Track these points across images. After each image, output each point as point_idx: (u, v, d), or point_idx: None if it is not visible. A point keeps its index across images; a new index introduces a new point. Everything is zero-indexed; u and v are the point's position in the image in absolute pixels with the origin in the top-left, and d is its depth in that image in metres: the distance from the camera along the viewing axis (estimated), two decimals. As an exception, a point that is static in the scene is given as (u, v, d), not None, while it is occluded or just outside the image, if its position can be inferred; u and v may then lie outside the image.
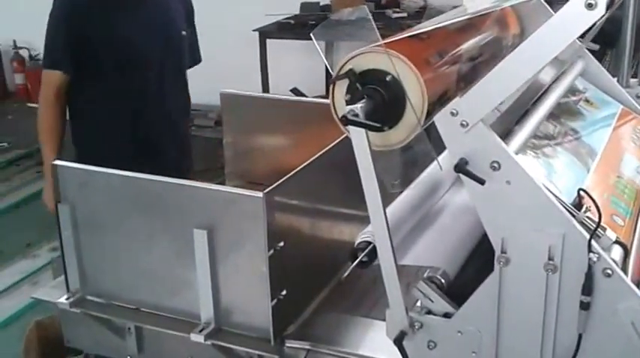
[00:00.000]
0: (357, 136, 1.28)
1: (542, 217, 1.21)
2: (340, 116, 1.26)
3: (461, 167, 1.21)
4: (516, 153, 1.30)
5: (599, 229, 1.22)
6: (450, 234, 1.55)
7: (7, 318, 3.32)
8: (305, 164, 1.65)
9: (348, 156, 1.30)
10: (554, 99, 1.59)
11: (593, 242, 1.19)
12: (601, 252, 1.19)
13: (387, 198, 1.38)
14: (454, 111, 1.22)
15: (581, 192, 1.24)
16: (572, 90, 1.80)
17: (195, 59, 2.67)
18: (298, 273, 1.67)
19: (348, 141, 1.30)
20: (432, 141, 1.34)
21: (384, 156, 1.43)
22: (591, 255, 1.18)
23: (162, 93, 2.45)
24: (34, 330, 2.33)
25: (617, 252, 1.24)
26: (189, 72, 2.64)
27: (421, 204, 1.63)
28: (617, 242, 1.25)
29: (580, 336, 1.22)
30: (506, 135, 1.34)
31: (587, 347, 1.24)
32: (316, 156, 1.70)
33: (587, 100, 1.78)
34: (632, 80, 2.23)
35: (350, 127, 1.27)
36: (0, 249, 3.96)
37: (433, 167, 1.71)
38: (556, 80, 1.71)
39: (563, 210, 1.20)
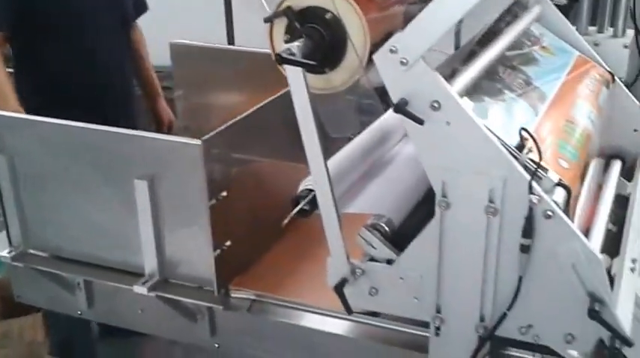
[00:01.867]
0: (294, 76, 1.23)
1: (482, 159, 1.17)
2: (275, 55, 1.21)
3: (399, 107, 1.17)
4: (460, 95, 1.26)
5: (541, 171, 1.19)
6: (398, 183, 1.52)
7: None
8: (248, 112, 1.60)
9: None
10: (505, 42, 1.54)
11: (534, 184, 1.16)
12: (542, 193, 1.16)
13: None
14: (393, 49, 1.17)
15: (523, 133, 1.20)
16: (529, 36, 1.75)
17: (139, 8, 2.59)
18: (244, 224, 1.63)
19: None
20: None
21: (328, 99, 1.39)
22: (532, 196, 1.15)
23: (101, 47, 2.40)
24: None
25: (559, 194, 1.21)
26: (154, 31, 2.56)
27: (370, 152, 1.59)
28: (560, 184, 1.23)
29: (520, 279, 1.20)
30: (450, 76, 1.30)
31: (528, 289, 1.22)
32: (261, 104, 1.65)
33: (543, 47, 1.74)
34: (591, 28, 2.20)
35: (286, 67, 1.22)
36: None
37: (386, 116, 1.67)
38: (510, 24, 1.66)
39: (505, 151, 1.17)
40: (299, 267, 1.70)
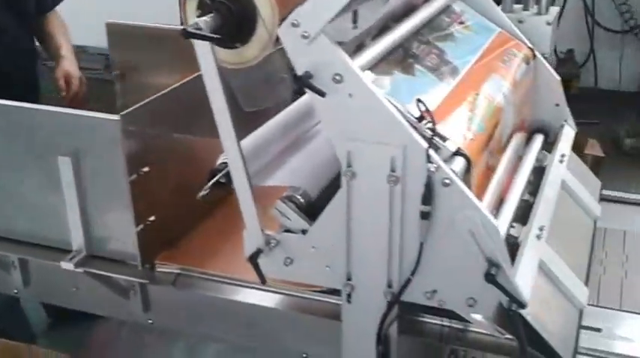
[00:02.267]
0: (202, 51, 1.26)
1: (383, 129, 1.21)
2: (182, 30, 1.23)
3: (302, 79, 1.20)
4: (365, 68, 1.30)
5: (439, 140, 1.23)
6: (317, 156, 1.55)
7: None
8: (169, 89, 1.62)
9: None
10: (419, 19, 1.58)
11: (432, 153, 1.20)
12: (440, 162, 1.20)
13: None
14: (295, 22, 1.20)
15: (419, 103, 1.24)
16: (450, 14, 1.80)
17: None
18: (169, 200, 1.65)
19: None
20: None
21: (241, 73, 1.42)
22: (429, 165, 1.19)
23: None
24: None
25: (459, 163, 1.26)
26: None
27: (293, 128, 1.62)
28: (459, 154, 1.27)
29: (422, 245, 1.25)
30: (357, 50, 1.33)
31: (431, 255, 1.26)
32: (184, 80, 1.66)
33: (463, 24, 1.78)
34: (516, 6, 2.26)
35: (195, 42, 1.25)
36: None
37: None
38: (429, 1, 1.71)
39: (403, 121, 1.21)
40: (227, 242, 1.73)
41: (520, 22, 2.02)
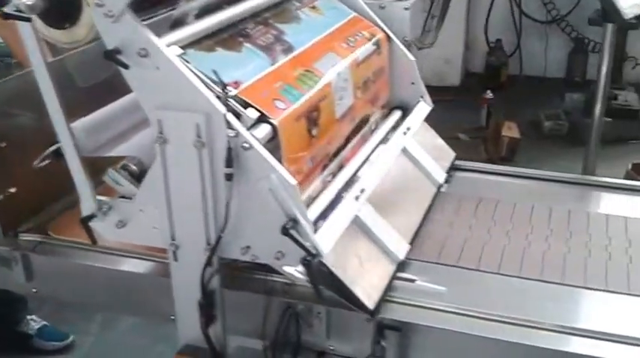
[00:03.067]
0: (25, 32, 1.37)
1: (187, 98, 1.33)
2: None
3: (108, 54, 1.32)
4: (188, 44, 1.42)
5: (240, 108, 1.35)
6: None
7: None
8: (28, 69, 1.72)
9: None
10: (257, 1, 1.70)
11: (231, 119, 1.32)
12: (239, 128, 1.33)
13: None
14: (99, 2, 1.31)
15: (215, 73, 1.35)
16: (301, -3, 1.92)
17: None
18: (30, 173, 1.75)
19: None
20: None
21: (75, 52, 1.53)
22: (229, 131, 1.32)
23: None
24: None
25: (263, 129, 1.38)
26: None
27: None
28: (265, 121, 1.39)
29: (228, 204, 1.37)
30: (174, 26, 1.46)
31: (239, 213, 1.39)
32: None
33: (312, 7, 1.91)
34: (379, -9, 2.38)
35: (19, 23, 1.36)
36: None
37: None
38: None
39: (205, 91, 1.33)
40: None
41: (381, 7, 2.14)
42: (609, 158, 4.30)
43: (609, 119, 4.57)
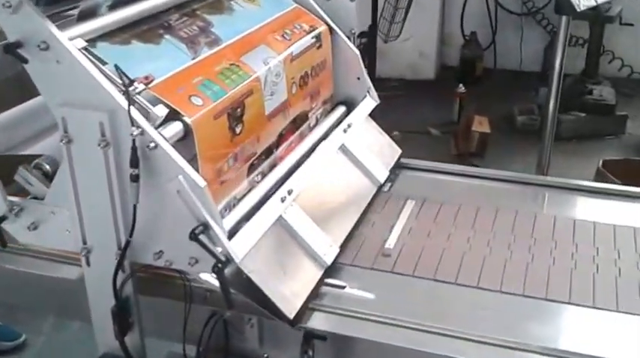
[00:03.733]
0: None
1: (90, 95, 1.26)
2: None
3: (7, 48, 1.24)
4: (99, 36, 1.34)
5: (148, 104, 1.27)
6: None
7: None
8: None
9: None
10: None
11: (136, 116, 1.25)
12: (145, 126, 1.25)
13: None
14: (-4, -8, 1.23)
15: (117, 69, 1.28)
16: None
17: None
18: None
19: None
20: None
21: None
22: (132, 129, 1.24)
23: None
24: None
25: (173, 128, 1.31)
26: None
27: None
28: (177, 119, 1.32)
29: (135, 207, 1.30)
30: (84, 18, 1.38)
31: (148, 218, 1.32)
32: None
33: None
34: (327, -16, 2.31)
35: None
36: None
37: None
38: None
39: (108, 87, 1.25)
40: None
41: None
42: (583, 154, 4.26)
43: (583, 114, 4.55)
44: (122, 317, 1.42)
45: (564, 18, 2.85)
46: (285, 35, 1.79)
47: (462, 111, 4.65)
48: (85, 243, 1.39)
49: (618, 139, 4.50)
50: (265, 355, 1.53)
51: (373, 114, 2.03)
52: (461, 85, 4.72)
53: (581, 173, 3.82)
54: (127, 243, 1.33)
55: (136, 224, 1.31)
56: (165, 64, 1.43)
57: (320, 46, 1.89)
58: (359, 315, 1.45)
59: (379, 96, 2.04)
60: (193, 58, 1.50)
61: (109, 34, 1.39)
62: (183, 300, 1.46)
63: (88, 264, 1.41)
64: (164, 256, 1.36)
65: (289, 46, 1.76)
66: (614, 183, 3.54)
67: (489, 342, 1.38)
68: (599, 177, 3.73)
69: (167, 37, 1.51)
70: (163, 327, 1.55)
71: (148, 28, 1.49)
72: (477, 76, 5.36)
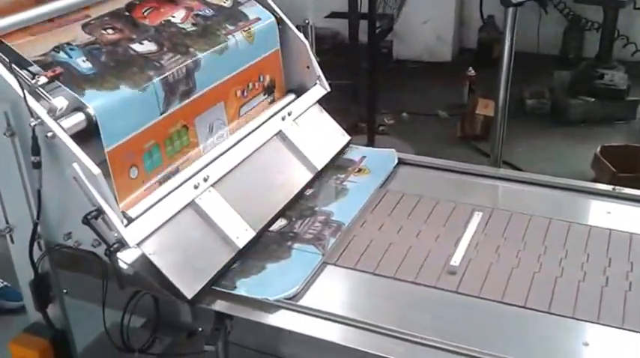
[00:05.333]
0: None
1: (-4, 88, 1.37)
2: None
3: None
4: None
5: (48, 96, 1.37)
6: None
7: None
8: None
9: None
10: None
11: (35, 108, 1.34)
12: (44, 116, 1.35)
13: None
14: None
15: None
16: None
17: None
18: None
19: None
20: None
21: None
22: (31, 119, 1.34)
23: None
24: None
25: (75, 118, 1.39)
26: None
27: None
28: (79, 110, 1.40)
29: (39, 192, 1.40)
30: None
31: (54, 199, 1.43)
32: None
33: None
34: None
35: None
36: None
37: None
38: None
39: (10, 80, 1.35)
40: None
41: None
42: (592, 139, 4.19)
43: (593, 99, 4.47)
44: (42, 290, 1.54)
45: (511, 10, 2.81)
46: (244, 91, 1.87)
47: (471, 94, 4.63)
48: (7, 221, 1.51)
49: (628, 124, 4.42)
50: (200, 328, 1.59)
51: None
52: (471, 68, 4.70)
53: (587, 157, 3.78)
54: (35, 225, 1.44)
55: (43, 207, 1.42)
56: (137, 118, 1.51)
57: (272, 101, 1.99)
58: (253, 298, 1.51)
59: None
60: (162, 113, 1.57)
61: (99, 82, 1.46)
62: (99, 278, 1.56)
63: (12, 241, 1.53)
64: (73, 237, 1.47)
65: (242, 105, 1.85)
66: (609, 169, 3.51)
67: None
68: (596, 163, 3.70)
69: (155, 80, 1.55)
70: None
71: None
72: (494, 58, 5.29)
